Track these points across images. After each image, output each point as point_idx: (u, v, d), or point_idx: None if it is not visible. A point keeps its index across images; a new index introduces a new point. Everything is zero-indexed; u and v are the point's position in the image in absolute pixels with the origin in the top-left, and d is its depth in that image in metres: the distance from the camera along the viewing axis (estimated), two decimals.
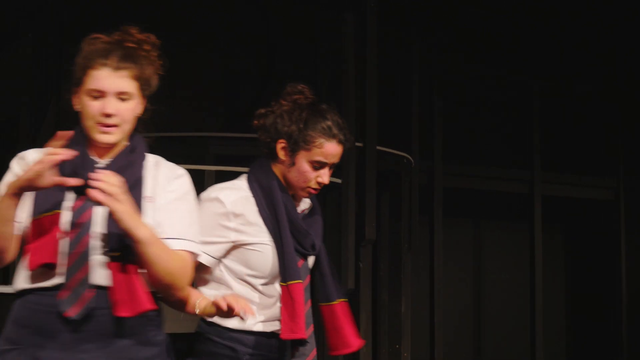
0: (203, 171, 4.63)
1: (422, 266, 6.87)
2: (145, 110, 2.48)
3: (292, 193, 2.77)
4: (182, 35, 6.67)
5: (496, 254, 8.12)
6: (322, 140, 2.71)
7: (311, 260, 2.85)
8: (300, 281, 2.71)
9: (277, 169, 2.77)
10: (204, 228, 2.62)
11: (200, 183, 4.62)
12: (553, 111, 7.86)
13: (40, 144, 5.27)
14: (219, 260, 2.71)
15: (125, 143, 2.46)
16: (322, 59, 7.03)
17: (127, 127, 2.43)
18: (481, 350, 8.05)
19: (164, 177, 2.49)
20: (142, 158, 2.48)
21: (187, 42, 6.70)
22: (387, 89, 5.93)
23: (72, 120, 5.71)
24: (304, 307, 2.72)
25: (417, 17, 6.96)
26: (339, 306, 2.84)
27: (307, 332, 2.75)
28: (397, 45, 6.74)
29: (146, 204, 2.42)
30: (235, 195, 2.71)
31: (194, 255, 2.49)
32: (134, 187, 2.39)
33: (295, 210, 2.77)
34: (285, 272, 2.70)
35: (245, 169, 4.58)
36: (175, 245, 2.42)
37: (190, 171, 4.62)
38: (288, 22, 7.14)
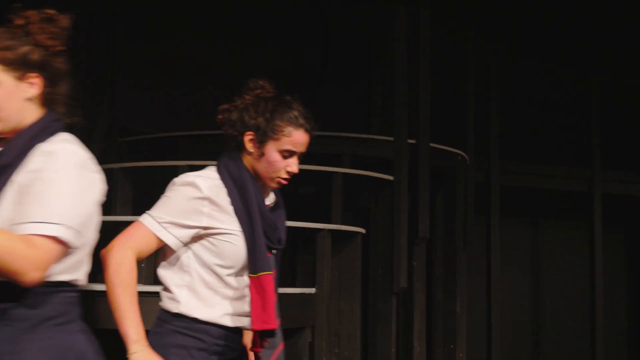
0: None
1: (478, 266, 6.78)
2: (47, 91, 2.34)
3: (261, 184, 2.79)
4: (235, 34, 6.67)
5: (555, 253, 7.99)
6: (290, 128, 2.75)
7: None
8: (270, 272, 2.72)
9: (246, 161, 2.79)
10: (176, 211, 2.66)
11: None
12: (613, 108, 7.70)
13: (95, 139, 5.28)
14: (185, 245, 2.71)
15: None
16: (375, 56, 6.99)
17: (3, 114, 2.30)
18: (540, 352, 7.92)
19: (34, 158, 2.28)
20: (28, 144, 2.29)
21: (240, 41, 6.70)
22: (442, 84, 5.85)
23: (128, 115, 5.70)
24: (274, 298, 2.73)
25: (473, 11, 6.87)
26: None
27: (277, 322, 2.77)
28: (452, 40, 6.64)
29: (7, 189, 2.25)
30: (210, 182, 2.72)
31: (48, 237, 2.20)
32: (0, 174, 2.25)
33: (264, 203, 2.79)
34: (256, 263, 2.71)
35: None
36: (22, 230, 2.19)
37: None
38: (342, 20, 7.11)
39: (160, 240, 2.68)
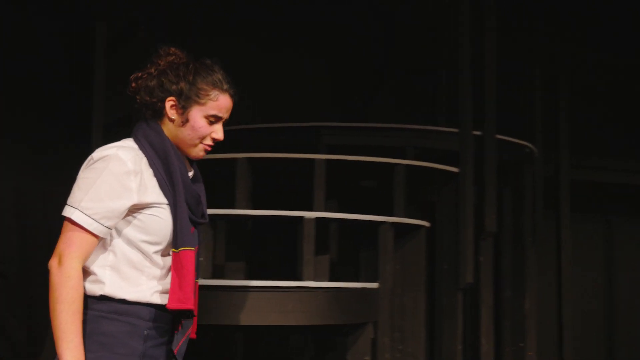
0: (313, 160, 4.51)
1: (548, 262, 6.59)
2: None
3: (183, 154, 2.63)
4: (298, 23, 6.61)
5: (628, 249, 7.75)
6: (216, 92, 2.60)
7: None
8: (192, 248, 2.56)
9: (166, 130, 2.62)
10: (103, 194, 2.46)
11: (310, 172, 4.53)
12: None
13: None
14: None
15: None
16: (440, 47, 6.86)
17: None
18: (613, 351, 7.69)
19: None
20: None
21: (303, 30, 6.64)
22: (509, 74, 5.69)
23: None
24: (194, 276, 2.56)
25: (538, 3, 6.68)
26: (197, 286, 2.70)
27: (194, 304, 2.60)
28: (519, 28, 6.47)
29: None
30: (132, 153, 2.55)
31: None
32: None
33: (188, 175, 2.63)
34: (178, 238, 2.54)
35: (356, 158, 4.48)
36: None
37: (299, 160, 4.59)
38: (406, 11, 7.00)
39: (98, 236, 2.49)
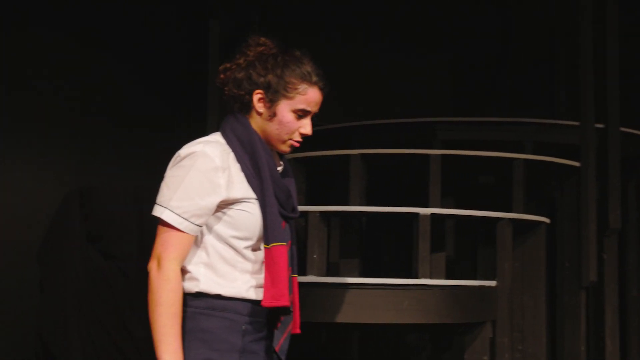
0: (428, 155, 4.43)
1: None
2: None
3: (273, 147, 2.57)
4: (416, 18, 6.54)
5: None
6: (304, 86, 2.52)
7: None
8: (284, 244, 2.49)
9: (254, 124, 2.55)
10: (192, 193, 2.43)
11: (426, 168, 4.45)
12: None
13: None
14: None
15: None
16: (558, 39, 6.67)
17: None
18: None
19: None
20: None
21: (419, 26, 6.56)
22: (633, 63, 5.47)
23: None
24: (287, 272, 2.49)
25: None
26: (296, 280, 2.66)
27: (289, 300, 2.51)
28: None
29: None
30: (220, 148, 2.50)
31: None
32: None
33: (277, 169, 2.55)
34: (269, 233, 2.47)
35: (472, 152, 4.38)
36: None
37: (414, 156, 4.51)
38: (525, 3, 6.83)
39: (191, 234, 2.46)
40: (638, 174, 5.48)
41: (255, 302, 2.52)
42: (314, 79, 2.55)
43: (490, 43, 6.89)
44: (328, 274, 4.21)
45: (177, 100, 6.33)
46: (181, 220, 2.43)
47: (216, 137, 2.57)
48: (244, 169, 2.52)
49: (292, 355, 2.65)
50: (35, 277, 5.95)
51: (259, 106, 2.55)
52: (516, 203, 4.47)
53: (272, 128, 2.54)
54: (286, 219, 2.58)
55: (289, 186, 2.60)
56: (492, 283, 4.15)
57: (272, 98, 2.52)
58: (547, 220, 4.49)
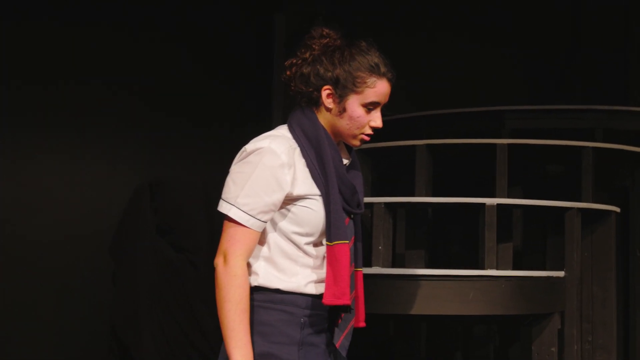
0: (495, 145, 4.37)
1: None
2: None
3: (338, 141, 2.54)
4: (481, 6, 6.48)
5: None
6: (373, 79, 2.48)
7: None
8: (346, 242, 2.46)
9: (322, 119, 2.52)
10: (258, 189, 2.42)
11: (492, 157, 4.40)
12: None
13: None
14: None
15: None
16: (631, 27, 6.54)
17: None
18: None
19: None
20: None
21: (487, 14, 6.49)
22: None
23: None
24: (349, 271, 2.46)
25: None
26: (360, 275, 2.63)
27: (350, 298, 2.49)
28: None
29: None
30: (286, 144, 2.47)
31: None
32: None
33: (343, 164, 2.52)
34: (332, 230, 2.44)
35: (539, 141, 4.31)
36: None
37: (481, 145, 4.46)
38: None
39: (257, 231, 2.46)
40: None
41: (315, 297, 2.52)
42: (382, 70, 2.51)
43: (561, 31, 6.80)
44: (394, 266, 4.20)
45: (243, 95, 6.38)
46: (248, 217, 2.44)
47: (282, 132, 2.56)
48: (309, 165, 2.51)
49: (361, 347, 2.66)
50: (109, 271, 6.06)
51: (328, 102, 2.52)
52: (585, 192, 4.40)
53: (343, 123, 2.52)
54: (350, 214, 2.57)
55: (354, 180, 2.58)
56: (561, 273, 4.09)
57: (341, 93, 2.50)
58: (617, 209, 4.40)
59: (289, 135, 2.54)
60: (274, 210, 2.48)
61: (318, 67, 2.50)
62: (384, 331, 5.01)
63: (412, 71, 6.18)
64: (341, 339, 2.56)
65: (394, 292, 3.77)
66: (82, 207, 5.99)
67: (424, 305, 3.77)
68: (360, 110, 2.50)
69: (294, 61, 2.56)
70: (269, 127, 5.87)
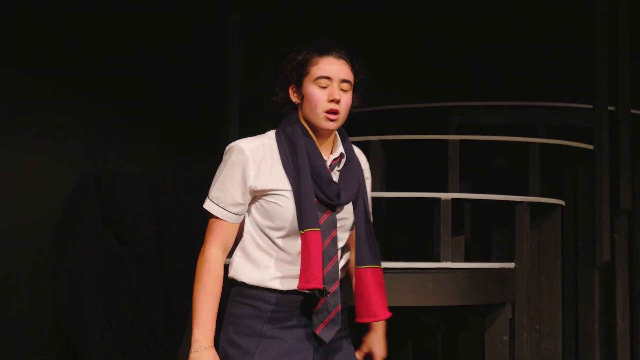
0: (447, 141, 4.51)
1: None
2: None
3: (325, 138, 2.68)
4: (426, 7, 6.57)
5: None
6: (314, 56, 2.65)
7: (349, 217, 2.72)
8: (316, 229, 2.59)
9: (301, 117, 2.70)
10: (227, 182, 2.65)
11: (444, 153, 4.53)
12: None
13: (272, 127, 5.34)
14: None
15: None
16: (564, 23, 6.73)
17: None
18: None
19: None
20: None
21: (429, 11, 6.60)
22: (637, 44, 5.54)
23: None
24: (321, 256, 2.59)
25: None
26: (369, 272, 2.72)
27: (331, 287, 2.64)
28: None
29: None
30: (257, 143, 2.68)
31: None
32: None
33: (320, 156, 2.66)
34: (303, 220, 2.59)
35: (491, 138, 4.45)
36: None
37: (433, 141, 4.58)
38: None
39: (230, 222, 2.68)
40: None
41: (282, 293, 2.65)
42: (325, 46, 2.67)
43: (498, 28, 6.94)
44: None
45: (190, 89, 6.37)
46: (219, 209, 2.67)
47: (268, 133, 2.74)
48: (284, 162, 2.65)
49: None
50: (50, 264, 6.00)
51: (294, 97, 2.70)
52: (532, 186, 4.56)
53: (308, 110, 2.67)
54: (330, 206, 2.67)
55: (344, 176, 2.70)
56: (511, 265, 4.24)
57: (298, 83, 2.67)
58: (562, 202, 4.58)
59: (272, 136, 2.71)
60: (244, 204, 2.67)
61: (282, 75, 2.71)
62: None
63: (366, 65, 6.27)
64: (321, 328, 2.66)
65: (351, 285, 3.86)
66: (22, 200, 5.91)
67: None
68: (313, 88, 2.65)
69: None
70: (218, 123, 5.91)
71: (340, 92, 2.65)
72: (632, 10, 5.09)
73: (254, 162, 2.63)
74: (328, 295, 2.65)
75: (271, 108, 5.36)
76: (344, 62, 2.68)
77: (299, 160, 2.62)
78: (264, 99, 5.25)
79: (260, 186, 2.64)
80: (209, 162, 6.43)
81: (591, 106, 4.89)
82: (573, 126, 5.22)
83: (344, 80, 2.67)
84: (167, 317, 6.12)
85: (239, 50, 4.90)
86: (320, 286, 2.60)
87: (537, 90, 6.45)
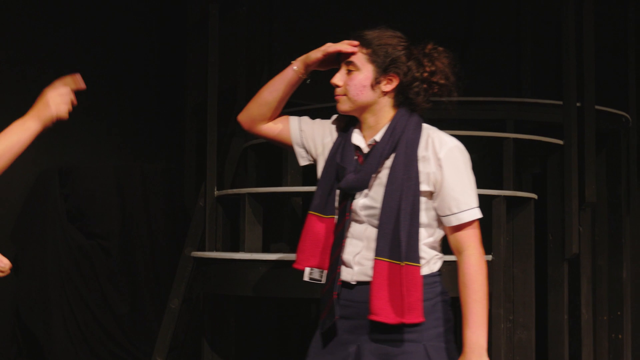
0: None
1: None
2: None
3: (368, 125, 2.73)
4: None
5: None
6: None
7: (376, 205, 2.68)
8: (316, 213, 2.69)
9: None
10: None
11: None
12: None
13: None
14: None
15: None
16: (524, 18, 6.84)
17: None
18: None
19: None
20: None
21: (383, 6, 6.64)
22: (604, 44, 5.68)
23: None
24: (310, 238, 2.68)
25: None
26: (378, 264, 2.63)
27: (332, 274, 2.67)
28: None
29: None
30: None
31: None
32: None
33: (349, 140, 2.71)
34: (311, 201, 2.72)
35: (464, 132, 4.51)
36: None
37: None
38: None
39: None
40: (607, 150, 5.73)
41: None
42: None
43: (458, 21, 7.01)
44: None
45: (152, 82, 6.35)
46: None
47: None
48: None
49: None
50: (9, 257, 5.93)
51: None
52: (506, 180, 4.66)
53: None
54: (344, 192, 2.70)
55: (370, 157, 2.68)
56: (489, 257, 4.33)
57: None
58: (535, 196, 4.68)
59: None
60: None
61: None
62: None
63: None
64: (322, 317, 2.70)
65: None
66: None
67: None
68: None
69: None
70: (181, 115, 5.87)
71: (345, 74, 2.72)
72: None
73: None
74: (330, 281, 2.68)
75: (245, 99, 5.38)
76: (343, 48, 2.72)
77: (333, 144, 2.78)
78: (237, 90, 5.25)
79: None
80: (174, 155, 6.45)
81: (556, 102, 5.01)
82: (536, 121, 5.33)
83: (347, 62, 2.72)
84: (133, 310, 6.11)
85: (217, 41, 4.89)
86: (299, 267, 2.71)
87: (494, 85, 6.53)
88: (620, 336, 5.67)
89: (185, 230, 5.18)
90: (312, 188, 4.20)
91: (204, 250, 4.63)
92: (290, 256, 3.90)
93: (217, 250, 4.59)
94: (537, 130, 5.19)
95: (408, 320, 2.59)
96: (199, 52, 5.86)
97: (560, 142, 4.89)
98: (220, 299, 4.54)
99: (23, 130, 2.53)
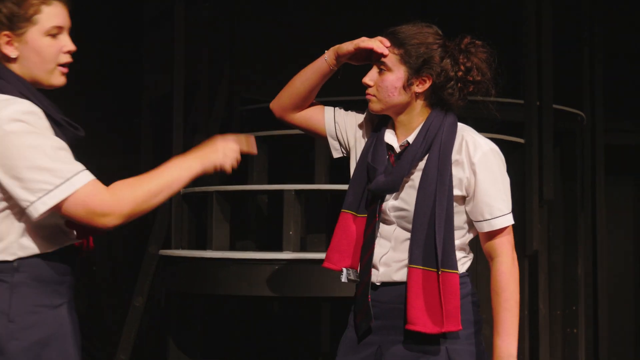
0: None
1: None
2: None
3: (401, 124, 2.69)
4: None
5: None
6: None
7: (409, 207, 2.62)
8: (349, 211, 2.68)
9: None
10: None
11: None
12: None
13: (217, 110, 5.31)
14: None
15: None
16: (475, 13, 6.89)
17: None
18: None
19: None
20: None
21: (363, 9, 6.62)
22: (561, 42, 5.77)
23: (244, 87, 5.68)
24: (346, 237, 2.66)
25: None
26: (413, 272, 2.58)
27: (365, 276, 2.64)
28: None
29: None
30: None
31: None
32: None
33: (382, 140, 2.67)
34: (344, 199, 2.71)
35: None
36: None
37: None
38: None
39: None
40: (563, 148, 5.83)
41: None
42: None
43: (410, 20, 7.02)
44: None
45: (110, 75, 6.27)
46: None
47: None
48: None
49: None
50: None
51: None
52: None
53: None
54: (371, 192, 2.66)
55: (401, 161, 2.62)
56: None
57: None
58: None
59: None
60: None
61: None
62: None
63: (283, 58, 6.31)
64: (358, 319, 2.69)
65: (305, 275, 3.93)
66: None
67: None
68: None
69: None
70: (138, 110, 5.79)
71: (376, 73, 2.65)
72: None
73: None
74: (362, 284, 2.65)
75: (206, 95, 5.36)
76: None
77: (365, 144, 2.75)
78: (200, 84, 5.23)
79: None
80: (130, 151, 6.36)
81: (516, 101, 5.08)
82: (492, 120, 5.37)
83: (379, 62, 2.63)
84: (91, 309, 6.03)
85: (184, 34, 4.86)
86: (330, 266, 2.69)
87: None
88: (575, 330, 5.79)
89: (142, 227, 5.13)
90: (279, 186, 4.23)
91: (169, 248, 4.61)
92: (260, 254, 3.90)
93: (182, 248, 4.56)
94: (490, 129, 5.25)
95: (447, 329, 2.55)
96: (156, 47, 5.81)
97: (519, 140, 4.96)
98: (185, 297, 4.52)
99: (184, 169, 2.39)
